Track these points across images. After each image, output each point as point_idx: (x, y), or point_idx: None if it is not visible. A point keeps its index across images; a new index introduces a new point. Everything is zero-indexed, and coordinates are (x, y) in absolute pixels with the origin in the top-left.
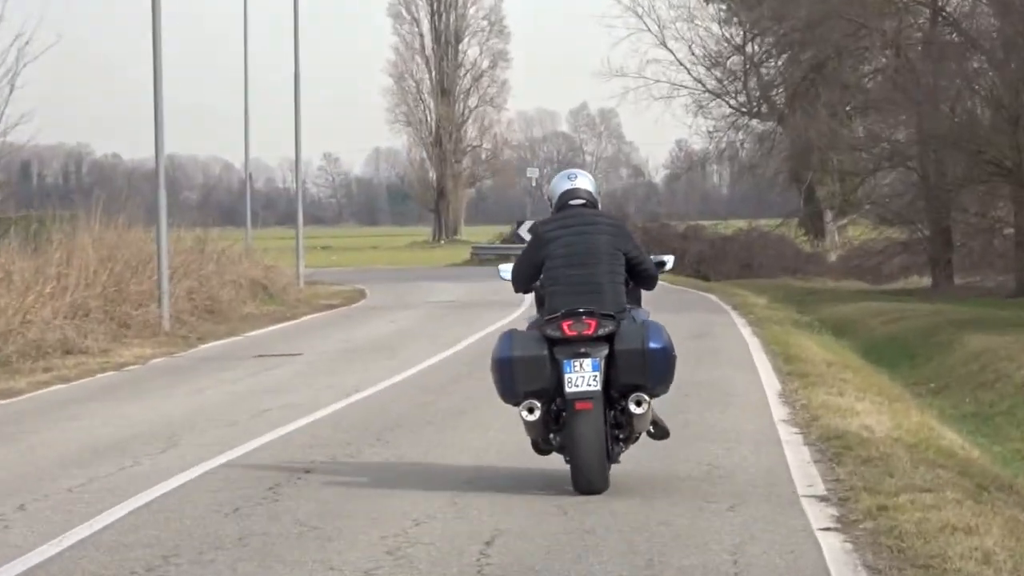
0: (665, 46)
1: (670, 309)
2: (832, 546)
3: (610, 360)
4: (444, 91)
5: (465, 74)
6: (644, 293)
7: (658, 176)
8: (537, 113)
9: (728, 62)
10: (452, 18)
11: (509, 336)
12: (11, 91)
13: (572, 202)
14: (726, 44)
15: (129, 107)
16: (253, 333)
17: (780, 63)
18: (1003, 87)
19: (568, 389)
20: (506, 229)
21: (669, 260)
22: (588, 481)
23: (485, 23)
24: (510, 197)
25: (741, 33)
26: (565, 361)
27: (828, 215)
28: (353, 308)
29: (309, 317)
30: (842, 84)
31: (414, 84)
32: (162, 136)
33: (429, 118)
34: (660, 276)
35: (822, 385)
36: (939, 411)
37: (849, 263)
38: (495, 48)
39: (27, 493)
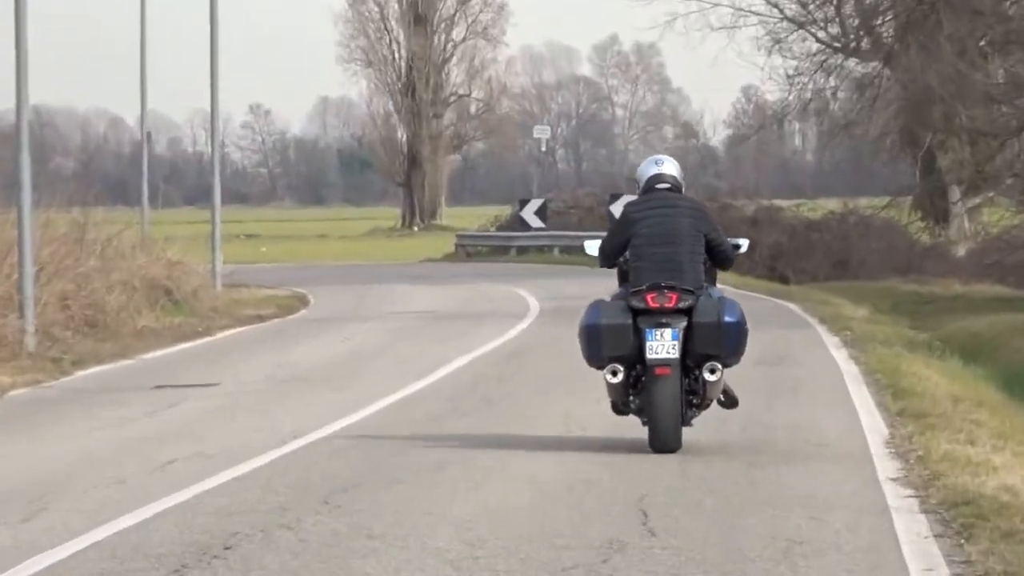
0: None
1: None
2: None
3: (688, 331)
4: (419, 18)
5: None
6: None
7: (717, 137)
8: (549, 50)
9: None
10: None
11: (597, 305)
12: None
13: (658, 186)
14: None
15: None
16: (151, 355)
17: None
18: None
19: (649, 356)
20: (504, 211)
21: (744, 243)
22: (663, 440)
23: None
24: (510, 166)
25: None
26: (647, 330)
27: (955, 193)
28: (290, 320)
29: (229, 333)
30: (973, 9)
31: (377, 9)
32: (25, 81)
33: (397, 56)
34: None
35: (946, 429)
36: None
37: (984, 259)
38: None
39: None
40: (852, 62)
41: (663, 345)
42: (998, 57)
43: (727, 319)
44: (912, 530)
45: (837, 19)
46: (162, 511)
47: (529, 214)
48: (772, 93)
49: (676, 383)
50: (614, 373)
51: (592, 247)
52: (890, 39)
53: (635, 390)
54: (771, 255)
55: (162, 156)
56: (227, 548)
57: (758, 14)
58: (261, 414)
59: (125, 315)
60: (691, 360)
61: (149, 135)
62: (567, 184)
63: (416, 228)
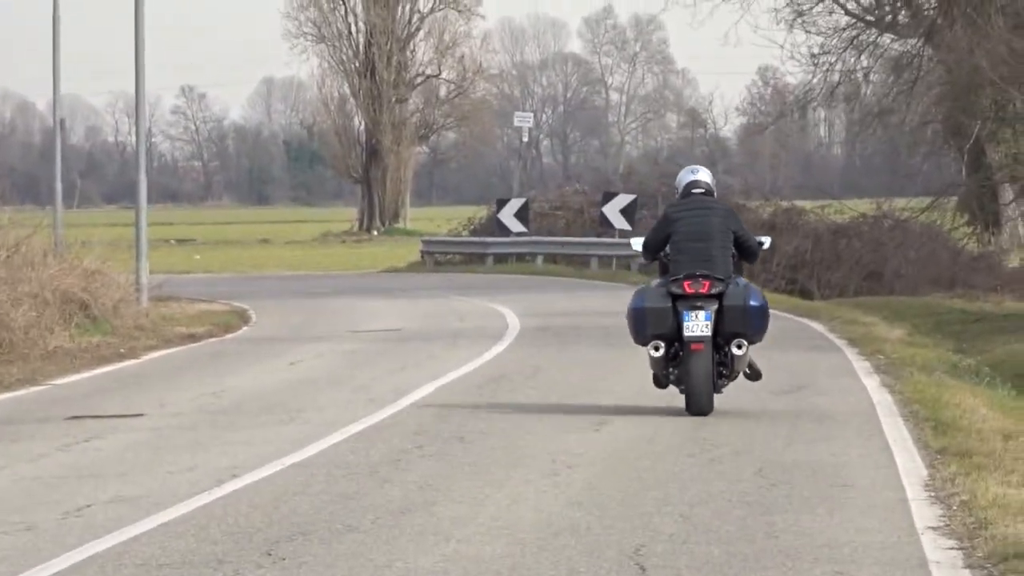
0: None
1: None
2: None
3: (718, 314)
4: None
5: None
6: None
7: (728, 127)
8: (531, 23)
9: None
10: None
11: (642, 291)
12: None
13: (694, 191)
14: None
15: None
16: (65, 380)
17: None
18: None
19: (686, 333)
20: (479, 213)
21: (766, 240)
22: (699, 405)
23: None
24: (486, 160)
25: None
26: (684, 312)
27: (1007, 193)
28: (228, 341)
29: (156, 355)
30: None
31: None
32: None
33: (354, 30)
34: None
35: (996, 470)
36: None
37: None
38: None
39: None
40: (887, 39)
41: (698, 324)
42: None
43: (752, 303)
44: None
45: None
46: (78, 562)
47: (508, 216)
48: (794, 75)
49: (709, 357)
50: (656, 348)
51: (638, 243)
52: (932, 11)
53: (674, 363)
54: (792, 265)
55: (79, 147)
56: None
57: None
58: (193, 450)
59: (34, 333)
60: (721, 338)
61: (63, 122)
62: (553, 181)
63: (376, 232)
